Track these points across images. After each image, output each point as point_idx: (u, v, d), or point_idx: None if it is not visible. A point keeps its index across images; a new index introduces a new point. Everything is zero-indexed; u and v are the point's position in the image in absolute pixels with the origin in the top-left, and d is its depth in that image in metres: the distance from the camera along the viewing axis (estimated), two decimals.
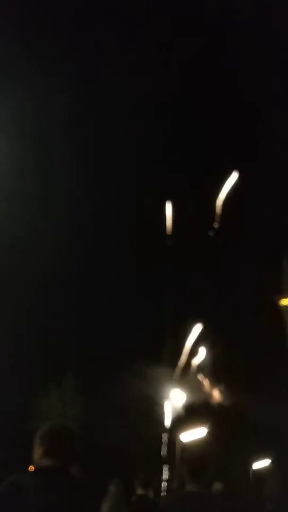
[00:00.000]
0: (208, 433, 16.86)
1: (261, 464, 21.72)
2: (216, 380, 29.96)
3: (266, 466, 21.68)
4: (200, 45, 31.14)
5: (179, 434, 17.99)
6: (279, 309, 20.76)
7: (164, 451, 25.88)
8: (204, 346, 29.72)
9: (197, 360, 29.87)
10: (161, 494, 20.65)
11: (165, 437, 26.24)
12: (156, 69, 31.33)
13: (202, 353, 29.73)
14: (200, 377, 29.79)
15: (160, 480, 24.67)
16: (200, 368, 29.32)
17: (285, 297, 20.51)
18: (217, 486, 5.11)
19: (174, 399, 29.00)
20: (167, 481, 24.07)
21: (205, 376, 29.83)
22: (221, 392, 29.67)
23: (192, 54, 30.48)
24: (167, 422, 27.91)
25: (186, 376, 29.18)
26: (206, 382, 30.01)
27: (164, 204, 29.31)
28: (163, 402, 28.62)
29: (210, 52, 32.72)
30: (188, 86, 33.20)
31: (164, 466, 25.07)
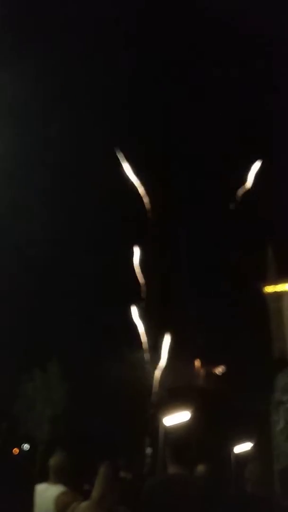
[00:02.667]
0: (191, 417, 17.08)
1: (243, 447, 22.16)
2: (200, 364, 30.37)
3: (247, 450, 22.15)
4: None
5: (163, 417, 18.21)
6: (263, 297, 20.93)
7: (147, 434, 26.22)
8: (188, 329, 30.03)
9: (182, 344, 30.16)
10: (144, 477, 20.99)
11: (148, 420, 26.58)
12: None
13: (186, 337, 30.03)
14: (183, 361, 30.11)
15: (143, 463, 25.05)
16: (185, 352, 29.62)
17: (269, 284, 20.68)
18: (201, 469, 5.20)
19: (158, 383, 29.30)
20: (150, 464, 24.47)
21: (189, 360, 30.17)
22: (205, 376, 30.09)
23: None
24: (151, 405, 28.24)
25: (170, 360, 29.45)
26: (189, 366, 30.37)
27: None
28: (147, 386, 28.90)
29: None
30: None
31: (147, 449, 25.41)
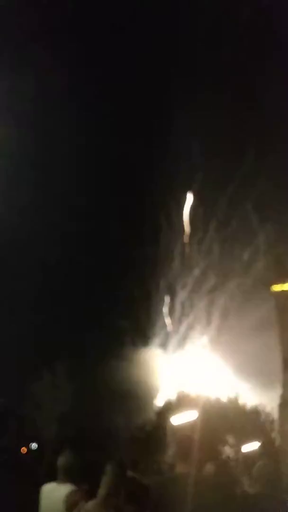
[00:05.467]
0: (199, 416, 17.10)
1: (250, 446, 22.08)
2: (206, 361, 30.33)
3: (255, 449, 22.07)
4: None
5: (170, 416, 18.23)
6: (271, 295, 20.84)
7: (155, 433, 26.20)
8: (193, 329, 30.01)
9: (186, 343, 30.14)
10: (151, 476, 20.98)
11: (156, 419, 26.57)
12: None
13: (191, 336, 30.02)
14: (190, 359, 30.09)
15: (151, 462, 25.01)
16: (190, 350, 29.60)
17: (276, 283, 20.58)
18: (209, 467, 5.17)
19: (165, 383, 29.31)
20: (158, 463, 24.43)
21: (196, 356, 30.16)
22: (211, 375, 30.05)
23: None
24: (158, 405, 28.23)
25: (178, 359, 29.46)
26: (196, 364, 30.33)
27: None
28: (154, 386, 28.92)
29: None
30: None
31: (155, 448, 25.40)
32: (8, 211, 24.04)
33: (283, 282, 20.49)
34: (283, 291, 20.25)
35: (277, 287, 20.43)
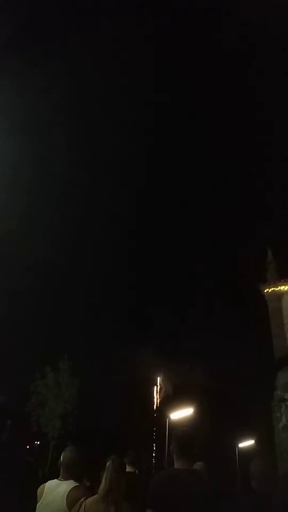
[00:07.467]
0: (197, 413, 17.21)
1: (246, 444, 22.26)
2: (202, 363, 30.48)
3: (251, 446, 22.22)
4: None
5: (169, 414, 18.31)
6: (263, 297, 20.90)
7: (155, 430, 26.35)
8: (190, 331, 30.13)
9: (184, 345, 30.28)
10: (151, 472, 21.14)
11: (156, 417, 26.74)
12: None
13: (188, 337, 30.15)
14: (187, 360, 30.22)
15: (152, 458, 25.22)
16: (188, 352, 29.73)
17: (269, 284, 20.66)
18: (198, 465, 5.20)
19: (164, 381, 29.45)
20: (158, 459, 24.63)
21: (192, 358, 30.28)
22: (207, 374, 30.22)
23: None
24: (158, 402, 28.39)
25: (174, 359, 29.58)
26: (193, 365, 30.47)
27: None
28: (153, 384, 29.07)
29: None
30: None
31: (154, 444, 25.55)
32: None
33: (275, 283, 20.56)
34: (274, 291, 20.34)
35: (270, 287, 20.53)
